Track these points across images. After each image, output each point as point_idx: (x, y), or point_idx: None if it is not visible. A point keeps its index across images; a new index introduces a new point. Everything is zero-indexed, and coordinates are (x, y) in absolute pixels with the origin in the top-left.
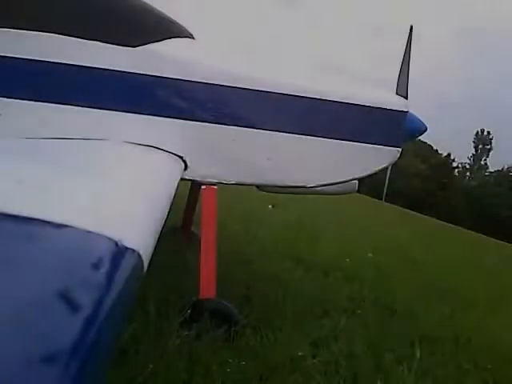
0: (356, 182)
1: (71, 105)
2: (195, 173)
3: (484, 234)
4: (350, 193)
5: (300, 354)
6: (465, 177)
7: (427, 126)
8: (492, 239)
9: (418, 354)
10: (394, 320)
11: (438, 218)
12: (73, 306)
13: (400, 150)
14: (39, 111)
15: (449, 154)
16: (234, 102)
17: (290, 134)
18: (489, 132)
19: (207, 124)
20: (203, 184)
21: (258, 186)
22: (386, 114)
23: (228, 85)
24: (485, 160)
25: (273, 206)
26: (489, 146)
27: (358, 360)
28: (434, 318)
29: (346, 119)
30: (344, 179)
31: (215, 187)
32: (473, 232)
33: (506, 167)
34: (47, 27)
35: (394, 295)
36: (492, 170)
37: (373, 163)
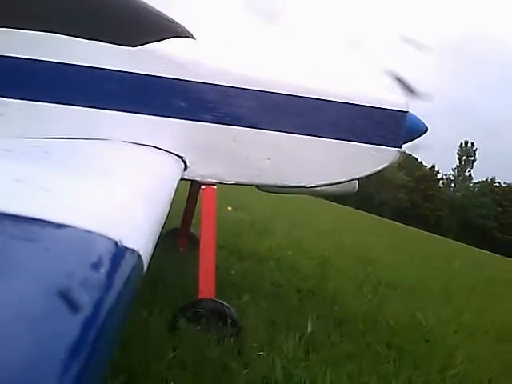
0: (356, 182)
1: (71, 105)
2: (195, 173)
3: (468, 243)
4: (349, 193)
5: None
6: (450, 188)
7: (428, 126)
8: (464, 245)
9: (309, 328)
10: (312, 302)
11: (424, 229)
12: (72, 305)
13: (400, 150)
14: (39, 111)
15: (433, 166)
16: (234, 102)
17: (290, 134)
18: (472, 143)
19: (207, 124)
20: (203, 184)
21: (257, 186)
22: (387, 113)
23: (228, 85)
24: (469, 171)
25: (233, 209)
26: (473, 158)
27: (248, 332)
28: (358, 304)
29: (346, 119)
30: (344, 179)
31: (215, 187)
32: (449, 239)
33: (489, 178)
34: (47, 27)
35: (326, 283)
36: (476, 181)
37: (373, 163)
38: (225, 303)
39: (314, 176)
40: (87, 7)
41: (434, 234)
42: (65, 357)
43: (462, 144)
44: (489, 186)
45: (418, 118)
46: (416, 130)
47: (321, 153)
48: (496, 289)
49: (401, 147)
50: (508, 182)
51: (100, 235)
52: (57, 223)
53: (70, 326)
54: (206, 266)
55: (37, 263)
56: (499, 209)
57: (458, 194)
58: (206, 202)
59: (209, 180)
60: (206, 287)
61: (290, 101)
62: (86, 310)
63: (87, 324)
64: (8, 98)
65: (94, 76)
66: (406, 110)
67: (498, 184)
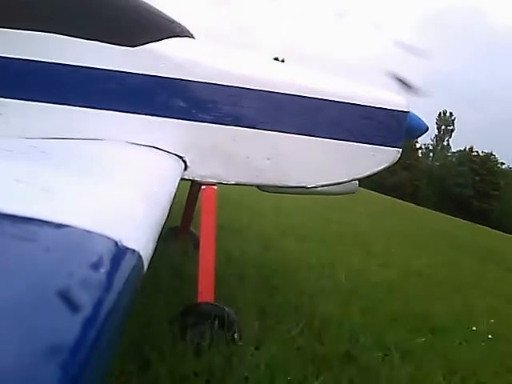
0: (356, 182)
1: (71, 105)
2: (195, 173)
3: (446, 213)
4: (350, 193)
5: None
6: (428, 157)
7: (428, 125)
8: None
9: None
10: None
11: (401, 199)
12: (72, 306)
13: (400, 150)
14: (39, 111)
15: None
16: (233, 102)
17: (290, 134)
18: (451, 113)
19: (207, 124)
20: (203, 184)
21: (258, 186)
22: (387, 114)
23: (228, 85)
24: (447, 141)
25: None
26: (451, 127)
27: None
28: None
29: (346, 119)
30: (344, 180)
31: (215, 187)
32: (422, 207)
33: (467, 147)
34: (47, 27)
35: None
36: (454, 151)
37: (373, 164)
38: (225, 307)
39: (314, 176)
40: (86, 7)
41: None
42: (65, 357)
43: (440, 114)
44: (467, 155)
45: (418, 118)
46: (416, 129)
47: (321, 153)
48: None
49: (401, 147)
50: (486, 151)
51: (100, 235)
52: (57, 223)
53: (70, 326)
54: (205, 267)
55: (37, 263)
56: (477, 178)
57: (436, 163)
58: (206, 203)
59: (209, 180)
60: (206, 289)
61: (290, 101)
62: (86, 310)
63: (87, 324)
64: (7, 98)
65: (93, 76)
66: (406, 110)
67: (475, 153)
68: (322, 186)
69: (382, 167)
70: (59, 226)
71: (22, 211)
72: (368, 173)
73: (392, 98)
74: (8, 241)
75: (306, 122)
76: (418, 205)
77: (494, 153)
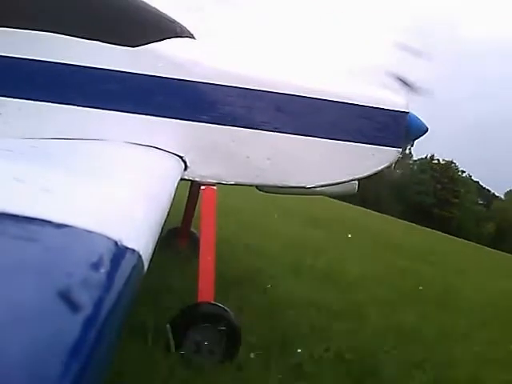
0: (356, 182)
1: (71, 105)
2: (195, 173)
3: (409, 221)
4: (350, 193)
5: None
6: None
7: (428, 126)
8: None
9: None
10: None
11: (365, 208)
12: (73, 305)
13: (400, 150)
14: (39, 111)
15: None
16: (233, 102)
17: (290, 135)
18: None
19: (207, 124)
20: (203, 184)
21: (257, 187)
22: (387, 114)
23: (228, 85)
24: (409, 149)
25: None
26: None
27: None
28: None
29: (346, 119)
30: (344, 180)
31: (215, 187)
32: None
33: (429, 155)
34: (48, 27)
35: None
36: (416, 159)
37: (373, 164)
38: (224, 307)
39: (314, 176)
40: (87, 7)
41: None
42: (65, 357)
43: None
44: (428, 163)
45: (418, 118)
46: (417, 130)
47: (321, 153)
48: None
49: (401, 147)
50: (447, 159)
51: (100, 235)
52: (57, 223)
53: (71, 326)
54: (205, 268)
55: (37, 263)
56: (438, 186)
57: (397, 171)
58: (206, 203)
59: (209, 180)
60: (206, 289)
61: (290, 101)
62: (87, 309)
63: (87, 324)
64: (7, 97)
65: (94, 76)
66: (406, 111)
67: (436, 161)
68: (322, 186)
69: (382, 167)
70: (59, 225)
71: (22, 211)
72: (368, 173)
73: (391, 99)
74: (8, 240)
75: (305, 122)
76: (382, 213)
77: (454, 161)
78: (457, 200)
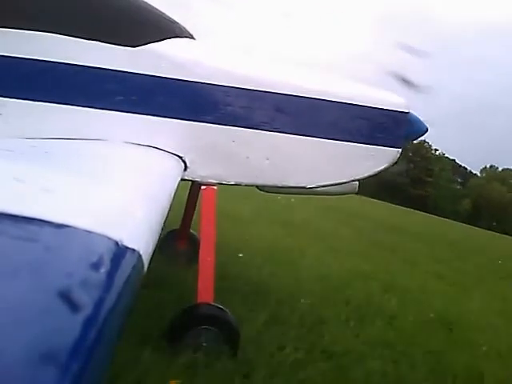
0: (356, 182)
1: (71, 105)
2: (195, 173)
3: (385, 200)
4: (350, 193)
5: None
6: None
7: (428, 127)
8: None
9: None
10: None
11: None
12: (73, 305)
13: (400, 150)
14: (39, 111)
15: None
16: (233, 103)
17: (290, 135)
18: None
19: (207, 124)
20: (203, 184)
21: (257, 187)
22: (387, 114)
23: (228, 85)
24: None
25: None
26: None
27: None
28: None
29: (346, 120)
30: (344, 180)
31: (215, 188)
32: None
33: None
34: (47, 27)
35: None
36: None
37: (373, 164)
38: (223, 308)
39: (313, 176)
40: (87, 7)
41: None
42: (65, 357)
43: None
44: None
45: (418, 119)
46: (417, 130)
47: (321, 153)
48: None
49: (401, 148)
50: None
51: (100, 235)
52: (57, 223)
53: (71, 326)
54: (205, 268)
55: (37, 263)
56: (411, 165)
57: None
58: (206, 203)
59: (209, 180)
60: (205, 290)
61: (290, 101)
62: (87, 309)
63: (87, 324)
64: (7, 97)
65: (93, 76)
66: (406, 111)
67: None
68: (322, 186)
69: (382, 167)
70: (59, 226)
71: (22, 211)
72: (368, 173)
73: (391, 99)
74: (9, 241)
75: (305, 122)
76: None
77: (427, 140)
78: (430, 179)
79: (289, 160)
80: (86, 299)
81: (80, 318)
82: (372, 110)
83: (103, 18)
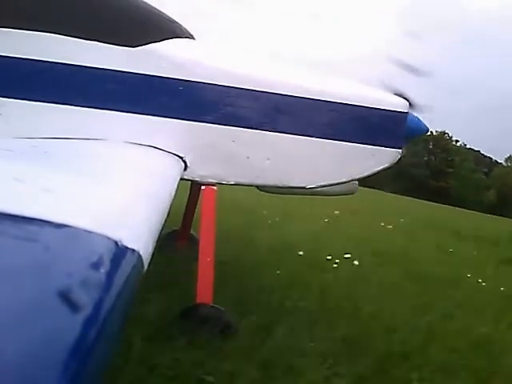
0: (356, 182)
1: (71, 105)
2: (195, 173)
3: (404, 194)
4: (350, 194)
5: None
6: None
7: (428, 127)
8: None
9: None
10: None
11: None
12: (72, 305)
13: (400, 151)
14: (39, 111)
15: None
16: (233, 103)
17: (290, 135)
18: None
19: (207, 124)
20: (203, 184)
21: (257, 187)
22: (387, 114)
23: (228, 85)
24: None
25: None
26: None
27: None
28: None
29: (346, 120)
30: (344, 180)
31: (215, 187)
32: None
33: None
34: (47, 27)
35: None
36: None
37: (373, 164)
38: (222, 309)
39: (313, 177)
40: (86, 7)
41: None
42: (65, 357)
43: None
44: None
45: (418, 119)
46: (417, 130)
47: (321, 153)
48: None
49: (401, 148)
50: (439, 130)
51: (100, 235)
52: (57, 223)
53: (71, 326)
54: (204, 269)
55: (37, 263)
56: (432, 157)
57: None
58: (206, 203)
59: (209, 180)
60: (204, 291)
61: (291, 101)
62: (87, 309)
63: (87, 324)
64: (7, 97)
65: (93, 76)
66: (406, 111)
67: (430, 133)
68: (322, 186)
69: (382, 167)
70: (59, 226)
71: (22, 211)
72: (368, 173)
73: (391, 99)
74: (8, 241)
75: (305, 122)
76: (374, 189)
77: (447, 131)
78: (451, 170)
79: (289, 160)
80: (85, 299)
81: (80, 317)
82: (372, 111)
83: (103, 18)
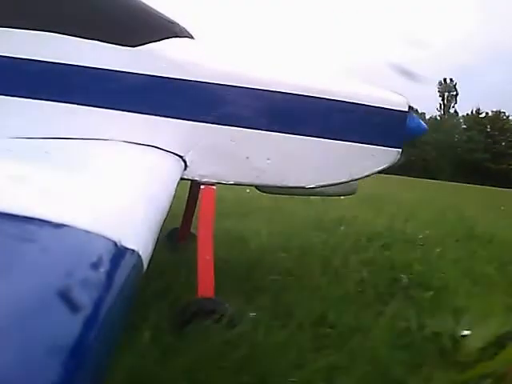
0: (356, 182)
1: (71, 104)
2: (195, 172)
3: (462, 181)
4: (350, 194)
5: None
6: (436, 130)
7: (427, 127)
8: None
9: None
10: None
11: (410, 176)
12: (72, 306)
13: (400, 150)
14: (38, 111)
15: (416, 110)
16: (233, 102)
17: (290, 135)
18: (451, 79)
19: (207, 124)
20: (202, 184)
21: (257, 186)
22: (387, 114)
23: (228, 84)
24: (453, 107)
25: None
26: (454, 92)
27: None
28: None
29: (346, 119)
30: (344, 180)
31: (214, 187)
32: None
33: (474, 109)
34: (46, 26)
35: None
36: (460, 116)
37: (373, 164)
38: (224, 302)
39: (313, 177)
40: (86, 6)
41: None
42: (64, 356)
43: (440, 82)
44: (474, 118)
45: (417, 118)
46: (417, 130)
47: (320, 153)
48: None
49: (401, 148)
50: (494, 109)
51: (99, 235)
52: (56, 223)
53: (70, 326)
54: (204, 267)
55: (36, 263)
56: (489, 140)
57: (441, 135)
58: (205, 202)
59: (208, 180)
60: (205, 289)
61: (290, 101)
62: (86, 310)
63: (87, 324)
64: (7, 97)
65: (93, 76)
66: (406, 111)
67: (484, 114)
68: (322, 186)
69: (382, 167)
70: (59, 226)
71: (21, 211)
72: (367, 173)
73: (392, 98)
74: (7, 241)
75: (305, 122)
76: (432, 179)
77: (503, 110)
78: None
79: (289, 160)
80: (85, 299)
81: (79, 318)
82: (372, 110)
83: (102, 18)
